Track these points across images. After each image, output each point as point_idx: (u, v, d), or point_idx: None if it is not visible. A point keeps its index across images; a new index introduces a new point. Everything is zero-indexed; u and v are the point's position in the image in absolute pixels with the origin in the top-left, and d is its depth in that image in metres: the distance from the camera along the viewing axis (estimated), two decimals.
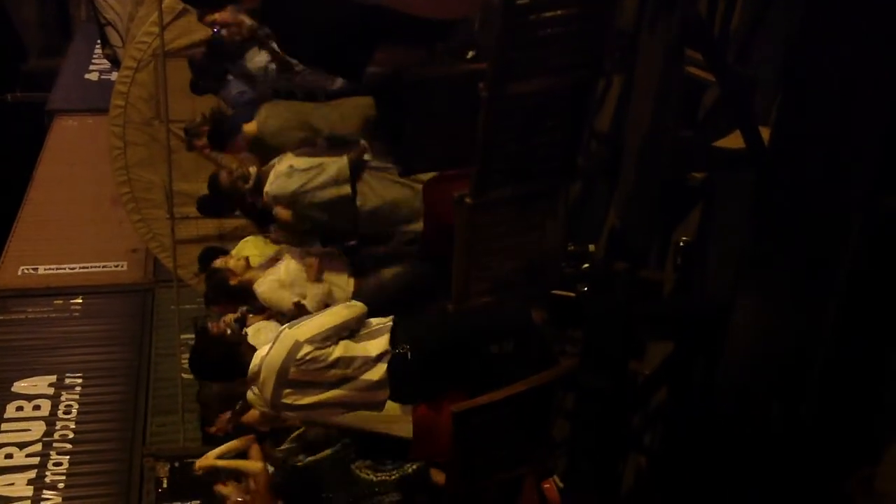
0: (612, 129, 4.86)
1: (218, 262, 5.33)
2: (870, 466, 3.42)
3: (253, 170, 5.25)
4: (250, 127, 5.46)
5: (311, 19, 4.26)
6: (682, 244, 4.41)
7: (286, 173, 4.99)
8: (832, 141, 3.20)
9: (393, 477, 4.83)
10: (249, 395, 4.51)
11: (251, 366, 4.17)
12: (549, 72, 3.45)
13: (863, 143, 3.12)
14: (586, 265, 4.68)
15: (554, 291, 4.15)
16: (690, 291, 4.35)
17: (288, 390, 4.10)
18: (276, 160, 5.08)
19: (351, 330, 4.18)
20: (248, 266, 5.25)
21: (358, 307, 4.26)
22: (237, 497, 5.02)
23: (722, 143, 3.86)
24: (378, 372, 4.10)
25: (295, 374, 4.07)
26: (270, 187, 5.00)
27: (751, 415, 3.54)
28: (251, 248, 5.82)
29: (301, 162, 5.01)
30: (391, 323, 4.23)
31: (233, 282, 5.15)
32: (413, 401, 4.25)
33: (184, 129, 6.06)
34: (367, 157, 5.04)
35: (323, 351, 4.07)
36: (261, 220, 5.72)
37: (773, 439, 3.43)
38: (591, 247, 5.21)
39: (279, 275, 5.06)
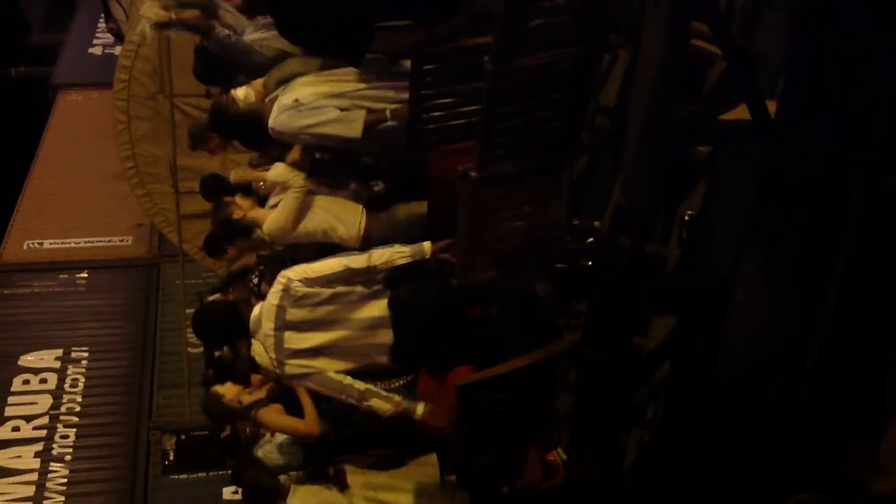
0: (617, 103, 4.84)
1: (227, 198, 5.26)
2: (872, 442, 3.43)
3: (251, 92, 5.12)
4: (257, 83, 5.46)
5: (311, 4, 4.25)
6: (686, 219, 4.40)
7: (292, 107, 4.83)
8: (838, 115, 3.19)
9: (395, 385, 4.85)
10: (255, 348, 4.54)
11: (252, 316, 4.22)
12: (553, 46, 3.44)
13: (869, 118, 3.10)
14: (590, 240, 4.68)
15: (558, 266, 4.16)
16: (695, 267, 4.35)
17: (288, 332, 4.14)
18: (280, 91, 4.91)
19: (346, 279, 4.19)
20: (255, 204, 5.19)
21: (355, 260, 4.27)
22: (235, 395, 5.02)
23: (727, 116, 3.84)
24: (378, 307, 4.13)
25: (292, 314, 4.09)
26: (274, 122, 4.85)
27: (753, 390, 3.55)
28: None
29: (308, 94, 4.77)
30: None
31: (237, 216, 5.10)
32: (415, 351, 4.24)
33: (189, 130, 6.03)
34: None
35: (318, 288, 4.10)
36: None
37: (776, 415, 3.44)
38: (596, 222, 5.21)
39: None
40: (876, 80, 3.05)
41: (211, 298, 5.44)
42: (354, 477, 4.64)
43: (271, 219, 4.89)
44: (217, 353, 5.90)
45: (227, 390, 4.99)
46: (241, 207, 5.17)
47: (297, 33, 4.49)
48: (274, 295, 4.15)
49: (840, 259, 3.16)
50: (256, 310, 4.23)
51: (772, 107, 3.49)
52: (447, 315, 4.15)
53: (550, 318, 4.27)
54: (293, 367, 4.24)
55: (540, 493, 4.69)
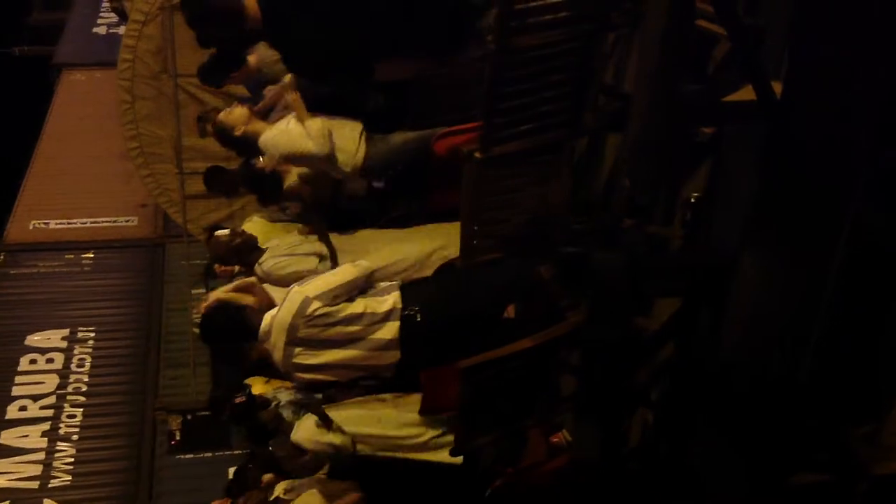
0: (620, 83, 4.82)
1: (221, 115, 5.24)
2: (875, 422, 3.43)
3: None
4: (252, 58, 5.47)
5: (315, 34, 4.23)
6: (690, 200, 4.39)
7: None
8: (843, 94, 3.17)
9: None
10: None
11: (262, 326, 4.20)
12: (556, 25, 3.42)
13: (873, 98, 3.08)
14: (594, 221, 4.67)
15: (561, 247, 4.15)
16: (698, 247, 4.34)
17: (299, 349, 4.13)
18: None
19: (359, 289, 4.20)
20: (252, 117, 5.18)
21: (364, 266, 4.28)
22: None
23: (732, 97, 3.82)
24: (389, 331, 4.12)
25: (305, 331, 4.09)
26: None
27: (756, 369, 3.55)
28: (257, 228, 5.84)
29: None
30: (398, 284, 4.25)
31: (237, 133, 5.09)
32: (422, 366, 4.26)
33: (198, 116, 6.03)
34: None
35: (332, 308, 4.09)
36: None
37: (779, 394, 3.44)
38: (599, 202, 5.20)
39: (283, 127, 4.98)
40: (880, 60, 3.03)
41: (218, 233, 5.44)
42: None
43: (269, 133, 4.92)
44: None
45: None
46: (239, 121, 5.18)
47: (301, 64, 4.48)
48: (287, 311, 4.12)
49: (843, 238, 3.14)
50: (266, 320, 4.20)
51: (777, 87, 3.47)
52: (457, 330, 4.14)
53: (553, 299, 4.26)
54: (301, 378, 4.29)
55: (543, 473, 4.71)
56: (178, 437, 9.56)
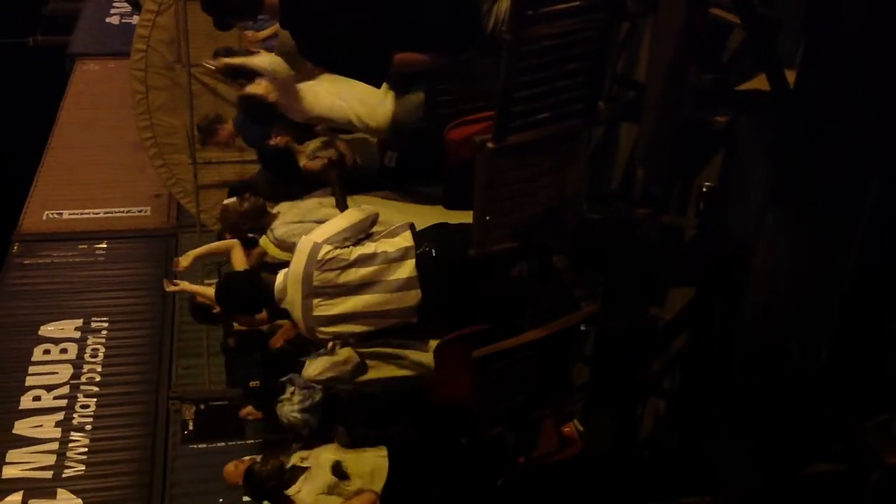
0: (635, 72, 4.81)
1: (249, 88, 5.17)
2: (888, 411, 3.43)
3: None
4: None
5: (332, 24, 4.23)
6: (704, 189, 4.38)
7: None
8: (857, 83, 3.16)
9: None
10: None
11: (276, 284, 4.20)
12: (571, 14, 3.41)
13: (888, 85, 3.07)
14: (608, 210, 4.67)
15: (575, 236, 4.15)
16: (712, 237, 4.34)
17: (317, 300, 4.11)
18: None
19: (365, 232, 4.19)
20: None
21: (368, 210, 4.27)
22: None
23: (746, 86, 3.81)
24: (406, 269, 4.10)
25: (320, 278, 4.07)
26: None
27: (771, 359, 3.54)
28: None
29: None
30: (408, 223, 4.23)
31: (271, 99, 5.07)
32: (444, 308, 4.23)
33: (198, 125, 6.03)
34: None
35: (341, 250, 4.08)
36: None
37: (793, 384, 3.44)
38: (614, 191, 5.20)
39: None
40: (894, 48, 3.02)
41: (227, 201, 5.43)
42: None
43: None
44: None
45: None
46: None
47: (318, 55, 4.48)
48: (298, 260, 4.10)
49: (859, 227, 3.14)
50: (280, 277, 4.19)
51: (791, 76, 3.46)
52: (475, 267, 4.11)
53: (568, 288, 4.26)
54: (324, 333, 4.24)
55: (556, 463, 4.71)
56: (191, 427, 9.58)
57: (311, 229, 4.83)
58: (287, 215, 5.10)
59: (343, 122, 4.93)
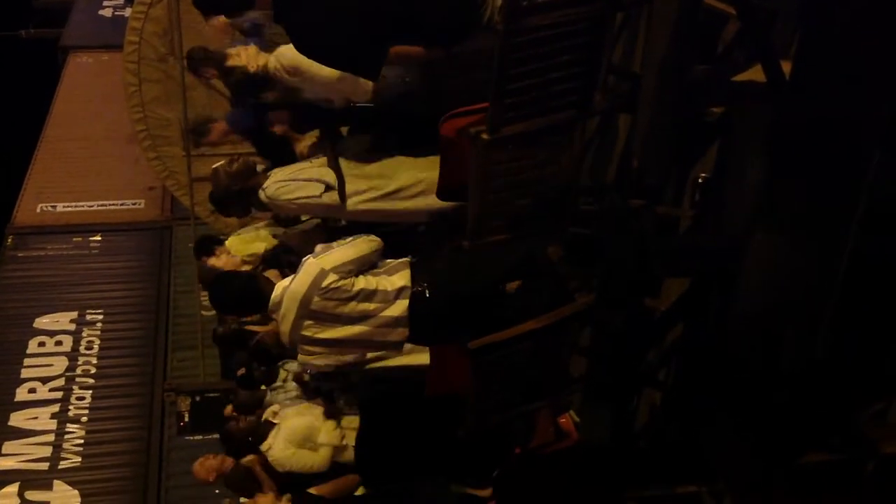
0: (630, 63, 4.80)
1: (232, 59, 5.12)
2: (884, 400, 3.44)
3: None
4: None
5: (326, 17, 4.21)
6: (699, 181, 4.38)
7: None
8: (853, 74, 3.16)
9: None
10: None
11: (273, 296, 4.20)
12: (565, 4, 3.41)
13: (884, 77, 3.07)
14: (603, 201, 4.66)
15: (570, 228, 4.15)
16: (707, 228, 4.34)
17: (309, 322, 4.13)
18: None
19: (371, 265, 4.21)
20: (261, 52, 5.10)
21: (376, 242, 4.28)
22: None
23: (741, 77, 3.81)
24: (398, 308, 4.13)
25: (317, 304, 4.08)
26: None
27: (766, 350, 3.55)
28: (237, 243, 5.87)
29: None
30: (408, 261, 4.25)
31: (252, 70, 5.04)
32: (431, 342, 4.27)
33: (190, 129, 5.99)
34: None
35: (346, 281, 4.09)
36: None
37: (788, 375, 3.44)
38: (609, 183, 5.19)
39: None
40: (891, 38, 3.01)
41: (216, 165, 5.38)
42: None
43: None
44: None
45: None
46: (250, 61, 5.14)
47: (312, 49, 4.46)
48: (302, 282, 4.11)
49: (855, 217, 3.14)
50: (278, 290, 4.20)
51: (786, 67, 3.46)
52: (465, 306, 4.14)
53: (562, 280, 4.26)
54: (305, 353, 4.26)
55: (552, 454, 4.72)
56: (186, 419, 9.59)
57: (302, 186, 4.81)
58: (278, 174, 5.04)
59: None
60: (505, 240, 4.03)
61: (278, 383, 5.67)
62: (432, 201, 4.57)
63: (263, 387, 5.82)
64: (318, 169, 4.98)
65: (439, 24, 4.20)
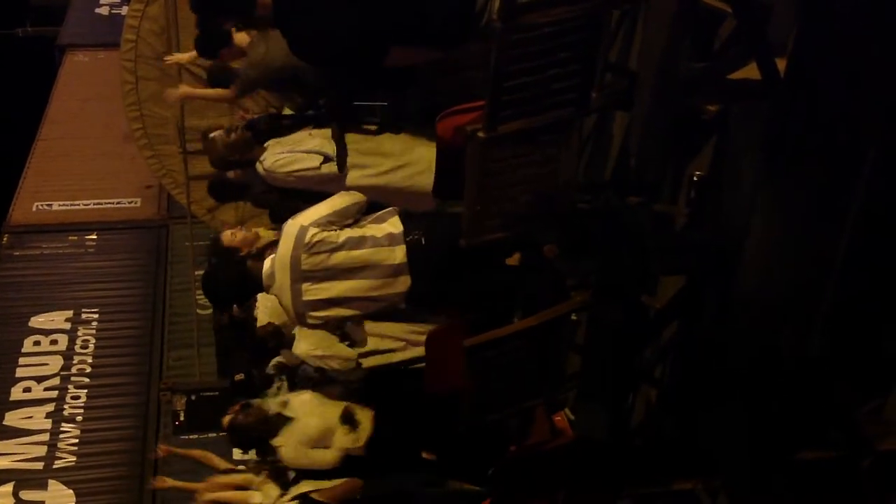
0: (627, 61, 4.80)
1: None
2: (880, 397, 3.45)
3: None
4: (241, 37, 5.43)
5: (325, 20, 4.21)
6: (695, 178, 4.39)
7: None
8: (848, 71, 3.17)
9: None
10: (260, 303, 4.52)
11: (264, 271, 4.17)
12: (562, 2, 3.41)
13: (880, 74, 3.08)
14: (600, 199, 4.67)
15: (566, 225, 4.15)
16: (704, 225, 4.35)
17: (306, 284, 4.08)
18: None
19: (352, 217, 4.18)
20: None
21: (356, 195, 4.26)
22: None
23: (737, 74, 3.81)
24: (398, 254, 4.08)
25: (307, 262, 4.04)
26: None
27: (761, 347, 3.56)
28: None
29: None
30: (396, 209, 4.23)
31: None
32: (433, 298, 4.23)
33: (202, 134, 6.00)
34: None
35: (330, 232, 4.06)
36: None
37: (785, 371, 3.45)
38: (605, 180, 5.20)
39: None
40: (886, 36, 3.02)
41: (213, 133, 5.36)
42: None
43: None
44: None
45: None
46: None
47: (311, 52, 4.46)
48: (286, 245, 4.08)
49: (850, 214, 3.15)
50: (268, 263, 4.17)
51: (782, 64, 3.47)
52: (465, 256, 4.10)
53: (559, 277, 4.27)
54: (314, 318, 4.21)
55: (547, 451, 4.72)
56: (182, 418, 9.58)
57: (300, 159, 4.79)
58: (276, 147, 5.01)
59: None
60: (502, 238, 4.04)
61: (272, 389, 5.63)
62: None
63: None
64: (317, 140, 4.94)
65: (438, 27, 4.20)
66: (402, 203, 4.88)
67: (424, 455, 5.17)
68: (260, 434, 5.19)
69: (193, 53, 5.84)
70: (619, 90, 4.39)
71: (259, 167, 4.97)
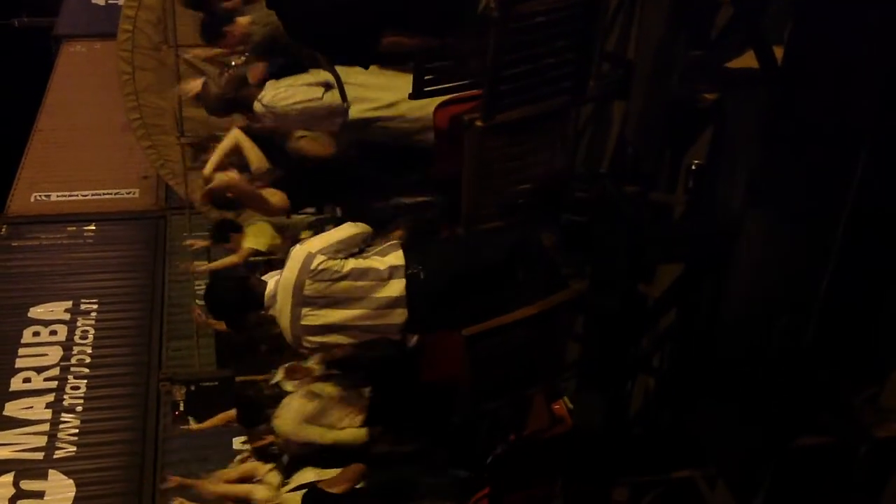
0: (623, 49, 4.80)
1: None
2: (877, 384, 3.45)
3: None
4: (243, 20, 5.39)
5: (320, 4, 4.19)
6: (693, 167, 4.39)
7: None
8: (846, 60, 3.16)
9: None
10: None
11: (266, 291, 4.21)
12: None
13: (879, 62, 3.08)
14: (597, 188, 4.67)
15: (563, 214, 4.16)
16: (701, 214, 4.35)
17: (305, 309, 4.13)
18: None
19: (358, 247, 4.21)
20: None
21: (363, 226, 4.28)
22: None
23: (734, 63, 3.81)
24: (395, 288, 4.12)
25: (310, 288, 4.08)
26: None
27: (758, 335, 3.56)
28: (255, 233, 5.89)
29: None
30: (399, 242, 4.25)
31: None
32: (429, 327, 4.28)
33: (189, 143, 5.99)
34: None
35: (335, 261, 4.10)
36: None
37: (782, 359, 3.46)
38: (602, 170, 5.20)
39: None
40: (885, 23, 3.02)
41: (205, 79, 5.33)
42: None
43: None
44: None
45: None
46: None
47: (305, 36, 4.44)
48: (291, 269, 4.12)
49: (847, 202, 3.15)
50: (271, 285, 4.21)
51: (779, 52, 3.46)
52: (464, 284, 4.14)
53: (556, 267, 4.27)
54: (310, 343, 4.26)
55: (546, 440, 4.73)
56: (182, 408, 9.61)
57: (301, 91, 4.76)
58: (274, 84, 4.93)
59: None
60: (499, 226, 4.05)
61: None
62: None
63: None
64: (316, 76, 4.89)
65: (434, 13, 4.20)
66: (403, 137, 4.85)
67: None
68: (268, 411, 5.25)
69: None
70: (616, 79, 4.39)
71: (257, 105, 4.89)
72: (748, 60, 3.65)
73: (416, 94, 4.57)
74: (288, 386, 5.31)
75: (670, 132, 4.35)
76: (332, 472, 5.15)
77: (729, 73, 3.83)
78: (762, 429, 3.58)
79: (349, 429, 5.10)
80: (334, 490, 5.00)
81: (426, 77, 4.51)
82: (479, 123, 3.62)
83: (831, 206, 3.22)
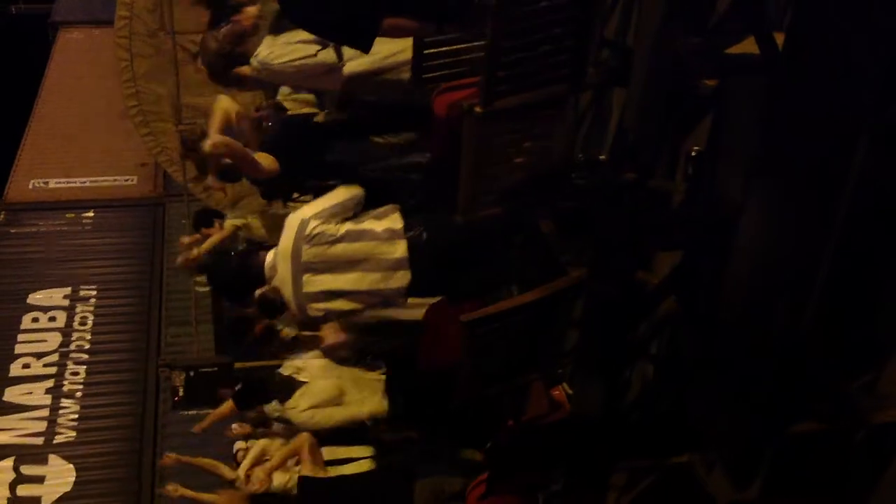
0: (622, 36, 4.79)
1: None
2: (874, 370, 3.46)
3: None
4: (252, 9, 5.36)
5: None
6: (692, 154, 4.39)
7: None
8: (847, 46, 3.16)
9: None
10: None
11: (266, 263, 4.22)
12: None
13: (878, 48, 3.07)
14: (596, 175, 4.67)
15: (562, 202, 4.16)
16: (700, 201, 4.35)
17: (307, 275, 4.13)
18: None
19: (352, 211, 4.21)
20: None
21: (356, 189, 4.29)
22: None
23: (734, 49, 3.80)
24: (398, 249, 4.13)
25: (308, 253, 4.09)
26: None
27: (756, 321, 3.57)
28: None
29: None
30: (397, 206, 4.26)
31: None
32: (432, 289, 4.26)
33: (181, 139, 5.95)
34: None
35: (330, 225, 4.10)
36: None
37: (780, 345, 3.46)
38: (601, 157, 5.19)
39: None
40: (884, 10, 3.02)
41: (203, 36, 5.26)
42: None
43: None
44: None
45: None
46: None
47: (305, 19, 4.42)
48: (287, 237, 4.13)
49: (846, 191, 3.15)
50: (270, 255, 4.22)
51: (780, 38, 3.46)
52: (465, 251, 4.14)
53: (555, 254, 4.28)
54: (315, 310, 4.26)
55: (545, 426, 4.75)
56: (181, 394, 9.61)
57: (297, 48, 4.73)
58: (270, 40, 4.87)
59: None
60: (497, 214, 4.04)
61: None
62: None
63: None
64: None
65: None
66: (401, 91, 4.82)
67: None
68: (267, 392, 5.28)
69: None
70: (615, 66, 4.38)
71: (253, 61, 4.86)
72: (748, 46, 3.64)
73: (416, 81, 4.56)
74: (302, 376, 5.32)
75: (669, 119, 4.35)
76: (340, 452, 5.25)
77: (729, 60, 3.82)
78: (760, 415, 3.59)
79: (368, 404, 5.16)
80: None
81: (425, 63, 4.51)
82: (477, 110, 3.61)
83: (831, 192, 3.22)
